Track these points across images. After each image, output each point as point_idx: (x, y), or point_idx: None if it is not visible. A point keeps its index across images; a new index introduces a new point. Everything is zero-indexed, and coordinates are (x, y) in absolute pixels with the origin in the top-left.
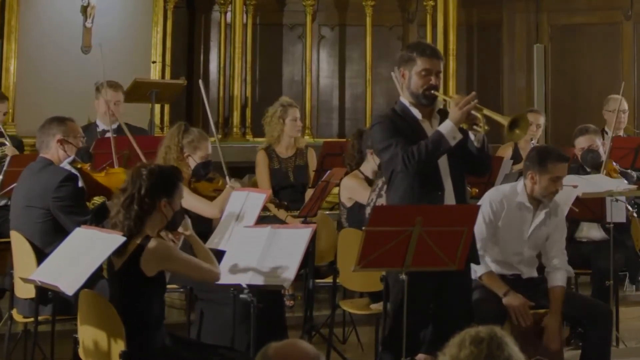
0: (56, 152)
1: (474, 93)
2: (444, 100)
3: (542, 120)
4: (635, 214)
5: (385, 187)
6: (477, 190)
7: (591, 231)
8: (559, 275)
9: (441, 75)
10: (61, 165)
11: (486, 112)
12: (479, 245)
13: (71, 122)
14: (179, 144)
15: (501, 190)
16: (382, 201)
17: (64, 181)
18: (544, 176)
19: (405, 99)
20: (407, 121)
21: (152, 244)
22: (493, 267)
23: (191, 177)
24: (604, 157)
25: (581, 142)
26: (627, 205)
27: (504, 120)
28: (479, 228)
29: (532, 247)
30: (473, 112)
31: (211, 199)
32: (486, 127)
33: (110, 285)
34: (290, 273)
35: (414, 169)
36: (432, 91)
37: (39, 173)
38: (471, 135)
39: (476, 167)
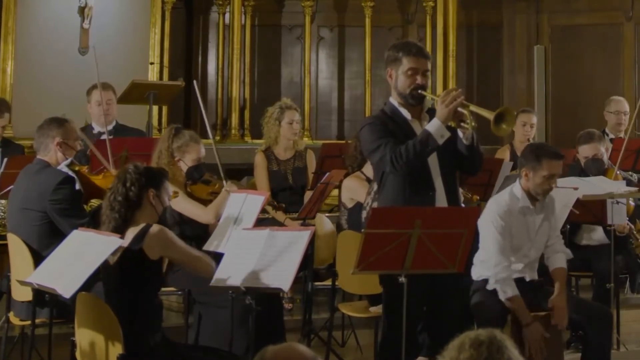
0: (54, 154)
1: (459, 90)
2: (432, 99)
3: (534, 119)
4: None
5: None
6: (477, 197)
7: (591, 235)
8: (559, 257)
9: (429, 74)
10: (59, 167)
11: (473, 107)
12: (505, 262)
13: (70, 124)
14: (169, 148)
15: (502, 200)
16: (377, 204)
17: (61, 183)
18: (538, 173)
19: (394, 100)
20: (397, 122)
21: (154, 228)
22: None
23: (186, 181)
24: (607, 163)
25: (585, 151)
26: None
27: (489, 115)
28: (498, 244)
29: (539, 247)
30: (460, 109)
31: (208, 202)
32: (474, 124)
33: (105, 284)
34: (288, 275)
35: (403, 169)
36: (419, 90)
37: (36, 175)
38: (460, 133)
39: (467, 165)
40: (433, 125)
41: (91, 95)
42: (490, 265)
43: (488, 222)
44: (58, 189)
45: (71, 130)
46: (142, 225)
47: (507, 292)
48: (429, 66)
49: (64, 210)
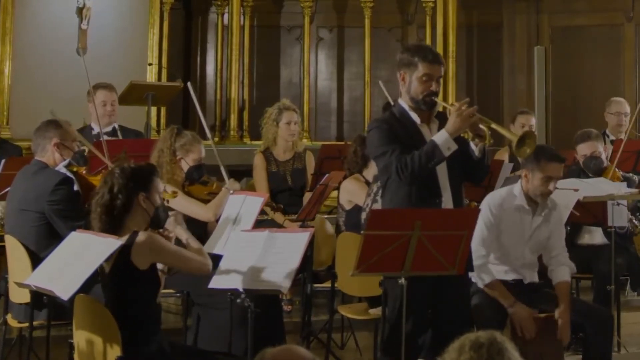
0: (52, 155)
1: (475, 107)
2: (444, 107)
3: (533, 120)
4: (638, 224)
5: (380, 192)
6: (475, 203)
7: (592, 236)
8: (563, 271)
9: (441, 80)
10: (57, 168)
11: (494, 125)
12: (482, 252)
13: (68, 125)
14: (171, 147)
15: (498, 194)
16: (377, 206)
17: (59, 184)
18: (536, 175)
19: (404, 102)
20: (405, 125)
21: (140, 237)
22: (495, 273)
23: (185, 181)
24: (606, 162)
25: (583, 149)
26: (633, 218)
27: (512, 137)
28: (481, 234)
29: (534, 249)
30: (481, 125)
31: (205, 202)
32: (491, 141)
33: (104, 291)
34: (288, 277)
35: (407, 179)
36: (432, 97)
37: (33, 176)
38: (472, 145)
39: (473, 174)
40: (440, 137)
41: (95, 95)
42: None
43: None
44: (56, 190)
45: (68, 131)
46: (127, 236)
47: (484, 279)
48: (442, 72)
49: (61, 211)
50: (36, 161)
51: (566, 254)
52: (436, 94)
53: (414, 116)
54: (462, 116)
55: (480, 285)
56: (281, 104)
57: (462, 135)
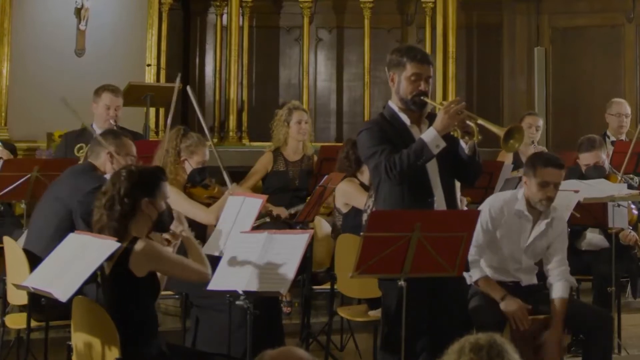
0: (104, 163)
1: (463, 103)
2: (434, 106)
3: (540, 122)
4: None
5: None
6: (470, 199)
7: (593, 241)
8: (560, 286)
9: (431, 80)
10: (105, 175)
11: (481, 121)
12: (473, 250)
13: (126, 139)
14: (176, 147)
15: (502, 197)
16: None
17: (97, 189)
18: (532, 181)
19: (393, 104)
20: (395, 127)
21: (139, 245)
22: (490, 273)
23: (187, 182)
24: (608, 169)
25: (587, 159)
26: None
27: (499, 131)
28: (475, 234)
29: (532, 256)
30: (467, 122)
31: (205, 205)
32: (479, 137)
33: (103, 291)
34: (287, 279)
35: (397, 178)
36: (422, 97)
37: (81, 173)
38: (462, 143)
39: (464, 174)
40: (429, 135)
41: (101, 97)
42: None
43: None
44: (91, 193)
45: (125, 144)
46: (127, 242)
47: (473, 275)
48: (432, 72)
49: (87, 216)
50: (88, 162)
51: (567, 268)
52: (425, 93)
53: (404, 117)
54: (449, 113)
55: (469, 282)
56: (291, 104)
57: (451, 134)
